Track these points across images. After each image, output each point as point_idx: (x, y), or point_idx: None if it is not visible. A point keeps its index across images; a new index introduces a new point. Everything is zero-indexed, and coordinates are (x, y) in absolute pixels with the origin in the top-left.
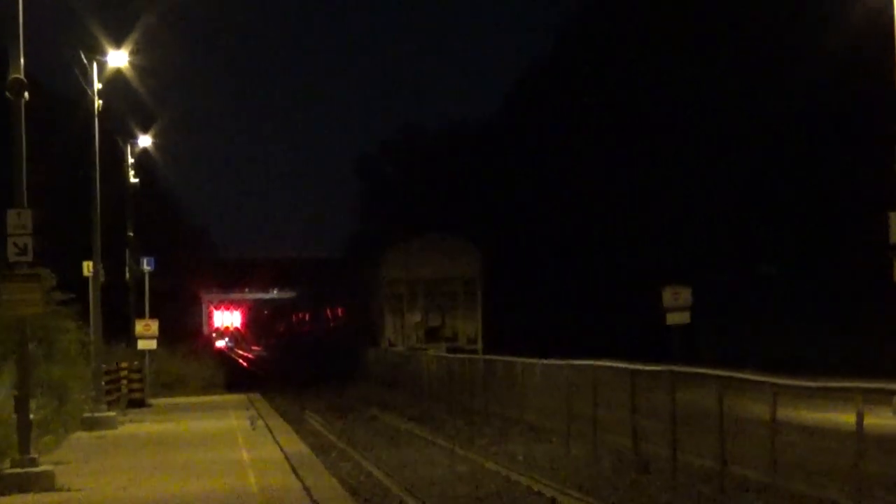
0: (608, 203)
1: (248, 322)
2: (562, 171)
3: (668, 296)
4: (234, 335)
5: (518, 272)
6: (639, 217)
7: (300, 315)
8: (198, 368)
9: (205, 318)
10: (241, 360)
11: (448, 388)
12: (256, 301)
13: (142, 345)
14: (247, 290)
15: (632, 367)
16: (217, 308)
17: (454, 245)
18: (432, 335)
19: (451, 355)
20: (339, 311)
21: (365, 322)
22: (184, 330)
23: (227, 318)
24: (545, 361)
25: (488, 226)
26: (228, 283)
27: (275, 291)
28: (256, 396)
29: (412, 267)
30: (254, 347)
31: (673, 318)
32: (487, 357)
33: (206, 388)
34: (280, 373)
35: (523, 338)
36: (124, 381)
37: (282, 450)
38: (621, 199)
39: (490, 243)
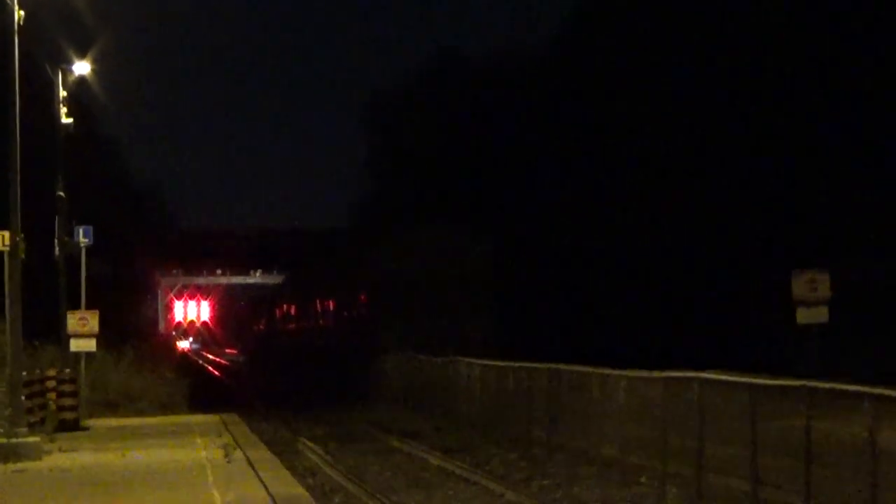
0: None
1: (221, 316)
2: (624, 123)
3: (801, 285)
4: (202, 333)
5: (559, 255)
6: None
7: (291, 307)
8: (152, 379)
9: (162, 311)
10: (210, 368)
11: (495, 409)
12: (232, 288)
13: (76, 346)
14: (219, 272)
15: (752, 380)
16: (179, 297)
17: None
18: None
19: (502, 363)
20: (345, 302)
21: (378, 318)
22: (134, 326)
23: (192, 311)
24: (630, 373)
25: (526, 191)
26: (194, 263)
27: (258, 274)
28: (233, 418)
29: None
30: (228, 350)
31: (806, 316)
32: (552, 366)
33: (165, 407)
34: (264, 385)
35: (560, 341)
36: (52, 396)
37: (268, 492)
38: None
39: (526, 219)
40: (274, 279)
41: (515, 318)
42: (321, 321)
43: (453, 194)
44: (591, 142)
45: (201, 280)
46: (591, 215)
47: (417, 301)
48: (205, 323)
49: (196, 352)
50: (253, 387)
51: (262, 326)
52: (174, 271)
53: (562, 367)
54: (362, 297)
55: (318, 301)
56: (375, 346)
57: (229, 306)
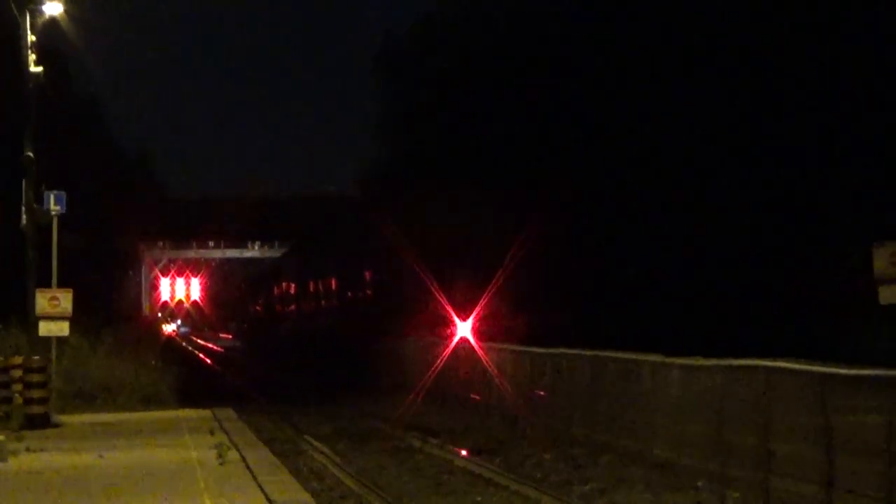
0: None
1: (214, 295)
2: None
3: (884, 259)
4: (192, 315)
5: (602, 225)
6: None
7: (293, 285)
8: (135, 368)
9: (146, 289)
10: (201, 355)
11: (530, 403)
12: (226, 263)
13: (46, 329)
14: (211, 244)
15: (826, 369)
16: (166, 274)
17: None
18: None
19: (539, 349)
20: (355, 280)
21: (394, 297)
22: (113, 307)
23: (180, 289)
24: (685, 360)
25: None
26: (184, 234)
27: (255, 247)
28: (227, 413)
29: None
30: (222, 335)
31: (890, 295)
32: (596, 353)
33: (148, 400)
34: (263, 375)
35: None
36: (18, 387)
37: (268, 499)
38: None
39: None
40: (274, 253)
41: (548, 301)
42: (328, 300)
43: (477, 159)
44: (645, 109)
45: (191, 254)
46: (631, 196)
47: (439, 278)
48: (195, 303)
49: (185, 336)
50: (250, 376)
51: (259, 307)
52: (160, 244)
53: (607, 353)
54: (372, 274)
55: (324, 278)
56: (389, 328)
57: (223, 284)
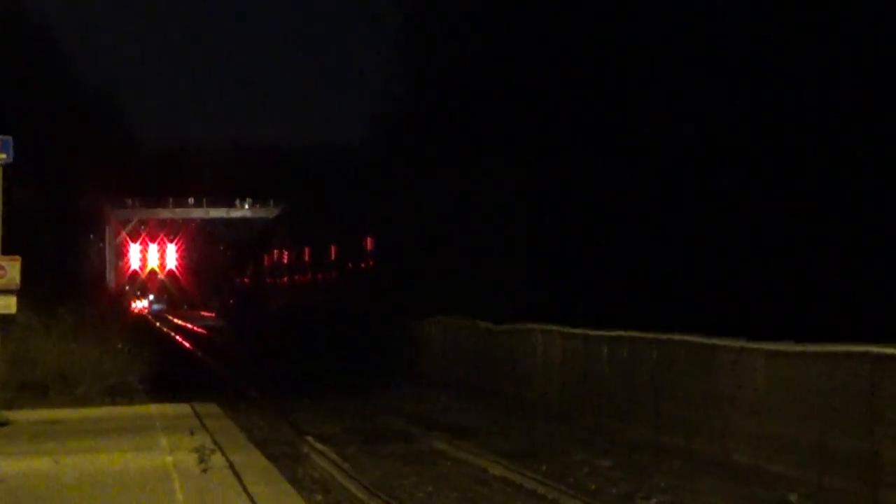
0: None
1: (193, 264)
2: None
3: None
4: (167, 289)
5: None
6: None
7: (289, 253)
8: (98, 353)
9: (111, 257)
10: (179, 337)
11: (580, 396)
12: (209, 225)
13: None
14: (191, 202)
15: None
16: (136, 238)
17: None
18: None
19: (594, 332)
20: (361, 249)
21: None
22: (72, 279)
23: (153, 257)
24: (773, 346)
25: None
26: (156, 190)
27: (246, 206)
28: (210, 408)
29: None
30: (204, 313)
31: None
32: (664, 336)
33: (115, 392)
34: (253, 361)
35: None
36: None
37: None
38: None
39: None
40: (268, 213)
41: (578, 279)
42: (329, 272)
43: (501, 115)
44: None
45: (166, 213)
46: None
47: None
48: (171, 273)
49: (159, 314)
50: (237, 363)
51: (247, 279)
52: (129, 201)
53: (676, 336)
54: (382, 240)
55: (324, 246)
56: (403, 306)
57: (205, 251)
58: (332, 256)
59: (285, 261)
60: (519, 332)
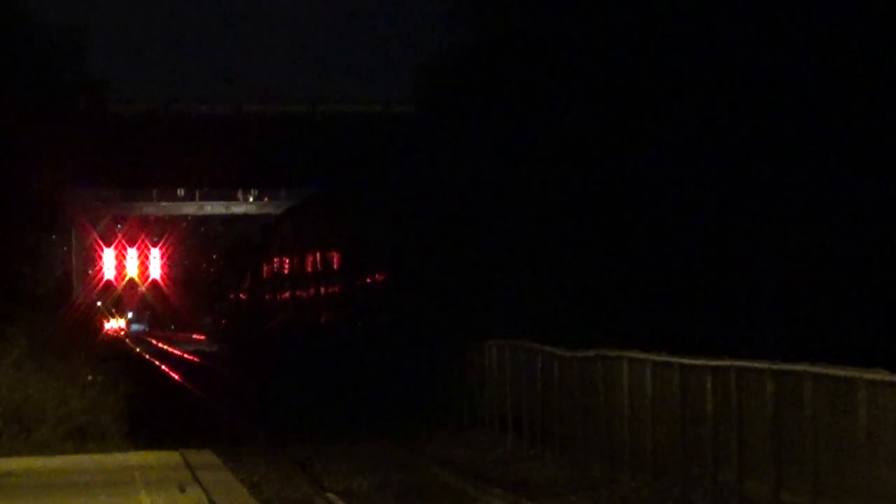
0: None
1: (182, 275)
2: None
3: None
4: (150, 305)
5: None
6: None
7: (306, 257)
8: (61, 386)
9: (76, 264)
10: (164, 366)
11: (681, 442)
12: (204, 223)
13: None
14: (181, 193)
15: None
16: (109, 242)
17: None
18: None
19: (693, 361)
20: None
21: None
22: (28, 292)
23: (132, 265)
24: None
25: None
26: (137, 175)
27: (251, 199)
28: (205, 456)
29: None
30: (195, 336)
31: None
32: (783, 367)
33: (83, 435)
34: (256, 395)
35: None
36: None
37: None
38: None
39: None
40: (278, 208)
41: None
42: (342, 282)
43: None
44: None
45: (149, 208)
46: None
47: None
48: (154, 284)
49: (138, 336)
50: (238, 398)
51: (242, 295)
52: (101, 193)
53: (798, 367)
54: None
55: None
56: (439, 324)
57: (198, 256)
58: (340, 265)
59: (286, 270)
60: (600, 359)
